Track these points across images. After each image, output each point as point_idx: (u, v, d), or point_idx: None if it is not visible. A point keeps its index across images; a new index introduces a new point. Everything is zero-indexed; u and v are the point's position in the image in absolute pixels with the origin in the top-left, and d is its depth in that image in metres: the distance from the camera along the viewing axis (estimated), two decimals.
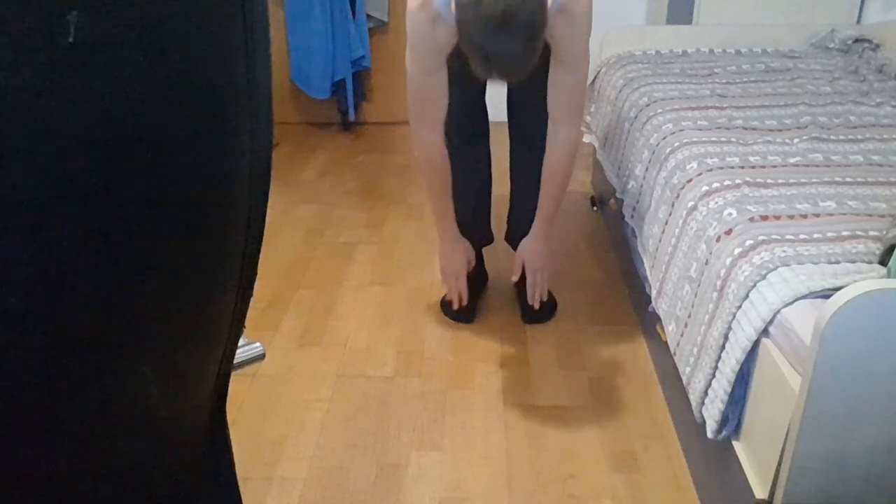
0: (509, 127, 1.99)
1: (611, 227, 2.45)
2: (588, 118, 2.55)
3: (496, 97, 1.97)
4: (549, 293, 2.11)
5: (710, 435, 1.26)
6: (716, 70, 2.26)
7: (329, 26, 3.21)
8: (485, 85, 1.91)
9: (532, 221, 1.92)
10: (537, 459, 1.56)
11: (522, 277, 2.14)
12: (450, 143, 1.80)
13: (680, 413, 1.60)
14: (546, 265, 1.96)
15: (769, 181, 1.47)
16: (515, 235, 2.04)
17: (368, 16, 3.30)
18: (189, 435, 0.68)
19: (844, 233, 1.26)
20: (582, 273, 2.27)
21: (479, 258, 2.16)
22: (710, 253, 1.34)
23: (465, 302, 1.98)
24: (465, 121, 1.85)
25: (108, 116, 0.45)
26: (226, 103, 0.52)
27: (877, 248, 1.20)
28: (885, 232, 1.21)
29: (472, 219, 2.02)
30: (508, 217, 2.11)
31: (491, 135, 2.01)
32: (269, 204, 0.60)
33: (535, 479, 1.51)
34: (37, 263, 0.46)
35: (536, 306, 1.97)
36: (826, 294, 1.07)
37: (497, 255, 2.22)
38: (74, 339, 0.50)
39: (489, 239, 2.14)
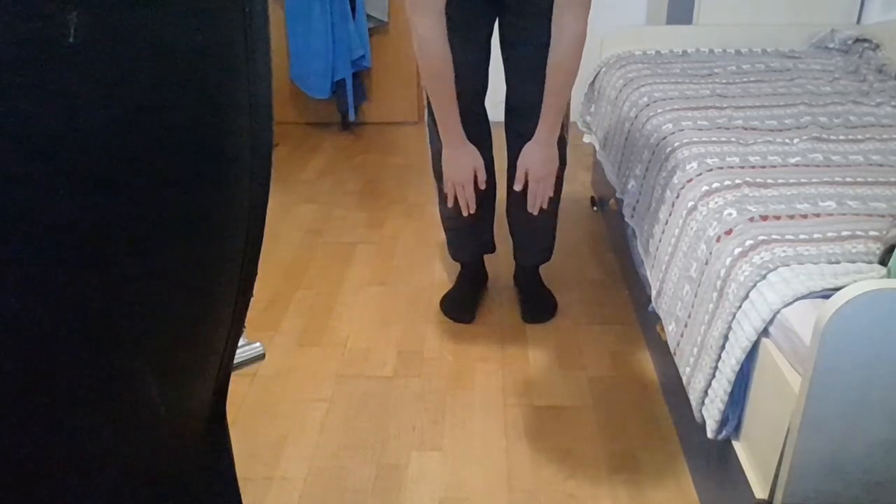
0: (506, 131, 1.95)
1: (611, 227, 2.45)
2: (588, 118, 2.55)
3: (498, 98, 1.97)
4: (550, 293, 2.11)
5: (710, 435, 1.26)
6: (716, 70, 2.26)
7: (329, 26, 3.21)
8: (484, 88, 1.89)
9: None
10: (537, 459, 1.56)
11: (522, 266, 2.14)
12: None
13: (680, 413, 1.60)
14: (548, 174, 1.81)
15: (769, 181, 1.47)
16: (521, 253, 2.01)
17: (368, 16, 3.30)
18: (189, 435, 0.68)
19: (844, 233, 1.26)
20: (582, 273, 2.27)
21: (480, 260, 2.16)
22: (710, 253, 1.34)
23: (473, 210, 1.83)
24: (465, 126, 1.83)
25: (107, 117, 0.45)
26: (226, 103, 0.52)
27: (877, 248, 1.20)
28: (885, 232, 1.21)
29: (473, 226, 2.01)
30: (513, 240, 2.08)
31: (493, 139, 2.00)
32: (269, 204, 0.60)
33: (535, 479, 1.51)
34: (36, 263, 0.46)
35: (535, 212, 1.83)
36: (826, 294, 1.07)
37: (497, 256, 2.22)
38: (74, 339, 0.50)
39: (491, 248, 2.13)
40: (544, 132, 1.77)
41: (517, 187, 1.84)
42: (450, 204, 1.85)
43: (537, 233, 2.03)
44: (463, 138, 1.78)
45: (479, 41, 1.80)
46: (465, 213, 1.83)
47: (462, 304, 2.06)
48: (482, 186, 1.81)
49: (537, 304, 2.07)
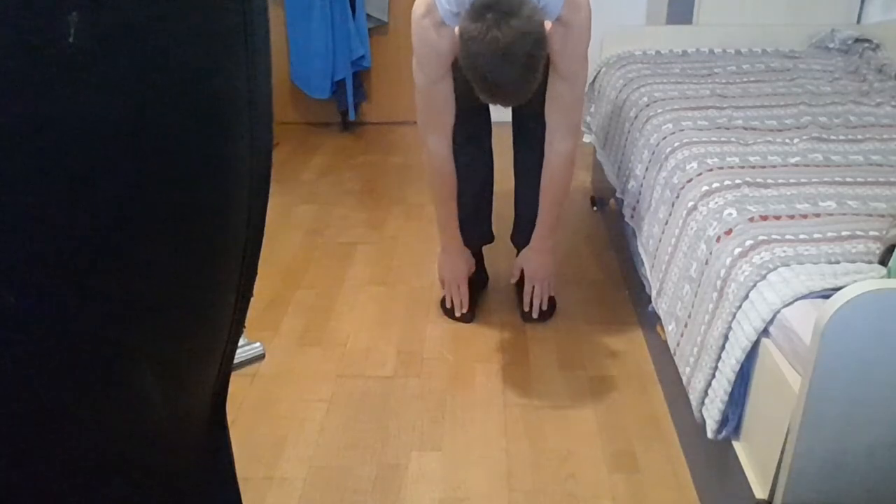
0: (513, 127, 1.99)
1: (611, 227, 2.45)
2: (588, 118, 2.55)
3: None
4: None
5: (710, 435, 1.26)
6: (716, 70, 2.26)
7: (329, 26, 3.21)
8: None
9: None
10: (537, 459, 1.56)
11: (521, 278, 2.14)
12: (452, 142, 1.81)
13: (680, 413, 1.60)
14: (547, 278, 1.98)
15: (769, 181, 1.47)
16: (521, 237, 2.04)
17: (368, 16, 3.30)
18: (189, 435, 0.68)
19: (844, 233, 1.26)
20: (582, 273, 2.27)
21: (480, 258, 2.16)
22: (710, 253, 1.34)
23: (465, 309, 2.01)
24: (467, 120, 1.85)
25: (108, 116, 0.45)
26: (226, 103, 0.52)
27: (877, 248, 1.20)
28: (885, 232, 1.21)
29: (472, 217, 2.03)
30: (515, 219, 2.11)
31: (493, 135, 2.01)
32: (269, 204, 0.60)
33: (535, 479, 1.51)
34: (37, 263, 0.46)
35: (534, 315, 1.99)
36: (826, 294, 1.07)
37: (497, 255, 2.22)
38: (74, 339, 0.50)
39: (489, 238, 2.14)
40: (539, 241, 1.94)
41: (512, 280, 2.06)
42: (448, 304, 2.02)
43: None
44: (460, 244, 1.98)
45: None
46: (457, 313, 2.01)
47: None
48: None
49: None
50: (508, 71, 1.46)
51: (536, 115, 1.81)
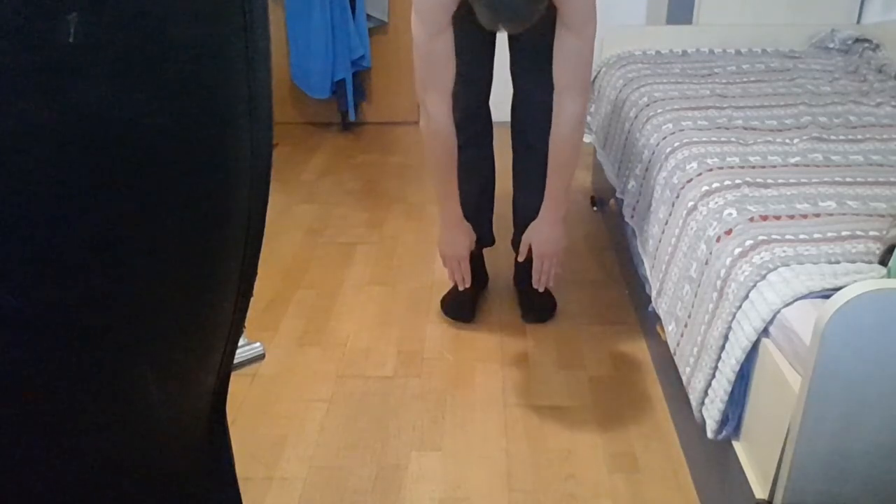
0: (512, 128, 1.99)
1: (611, 227, 2.45)
2: (588, 118, 2.55)
3: (498, 98, 1.97)
4: (549, 293, 2.11)
5: (710, 435, 1.26)
6: (716, 70, 2.26)
7: (329, 26, 3.21)
8: (489, 84, 1.90)
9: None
10: (537, 459, 1.56)
11: (522, 267, 2.14)
12: None
13: (680, 413, 1.60)
14: (556, 252, 1.88)
15: (769, 181, 1.47)
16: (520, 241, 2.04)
17: (368, 16, 3.30)
18: (189, 435, 0.68)
19: (844, 233, 1.26)
20: (582, 273, 2.27)
21: (480, 259, 2.16)
22: (710, 253, 1.34)
23: (468, 284, 1.95)
24: (467, 121, 1.84)
25: (108, 116, 0.45)
26: (226, 103, 0.52)
27: (877, 248, 1.20)
28: (885, 232, 1.21)
29: (473, 219, 2.02)
30: (514, 222, 2.10)
31: (494, 138, 2.01)
32: (269, 204, 0.60)
33: (535, 479, 1.51)
34: (37, 263, 0.46)
35: (541, 290, 1.92)
36: (826, 294, 1.07)
37: (497, 256, 2.22)
38: (74, 339, 0.50)
39: (490, 241, 2.13)
40: (549, 212, 1.84)
41: (520, 259, 1.94)
42: (450, 279, 1.96)
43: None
44: (460, 216, 1.88)
45: (485, 37, 1.80)
46: (460, 287, 1.95)
47: (462, 304, 2.06)
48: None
49: (537, 304, 2.07)
50: None
51: (536, 114, 1.80)
